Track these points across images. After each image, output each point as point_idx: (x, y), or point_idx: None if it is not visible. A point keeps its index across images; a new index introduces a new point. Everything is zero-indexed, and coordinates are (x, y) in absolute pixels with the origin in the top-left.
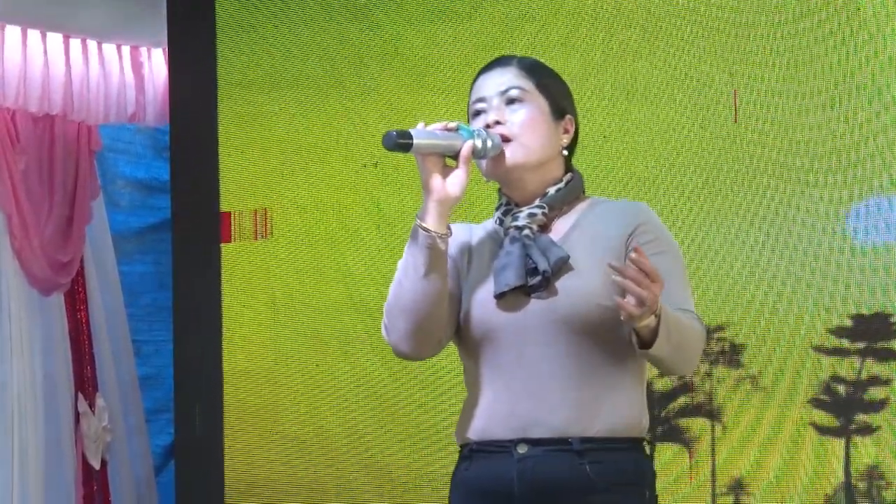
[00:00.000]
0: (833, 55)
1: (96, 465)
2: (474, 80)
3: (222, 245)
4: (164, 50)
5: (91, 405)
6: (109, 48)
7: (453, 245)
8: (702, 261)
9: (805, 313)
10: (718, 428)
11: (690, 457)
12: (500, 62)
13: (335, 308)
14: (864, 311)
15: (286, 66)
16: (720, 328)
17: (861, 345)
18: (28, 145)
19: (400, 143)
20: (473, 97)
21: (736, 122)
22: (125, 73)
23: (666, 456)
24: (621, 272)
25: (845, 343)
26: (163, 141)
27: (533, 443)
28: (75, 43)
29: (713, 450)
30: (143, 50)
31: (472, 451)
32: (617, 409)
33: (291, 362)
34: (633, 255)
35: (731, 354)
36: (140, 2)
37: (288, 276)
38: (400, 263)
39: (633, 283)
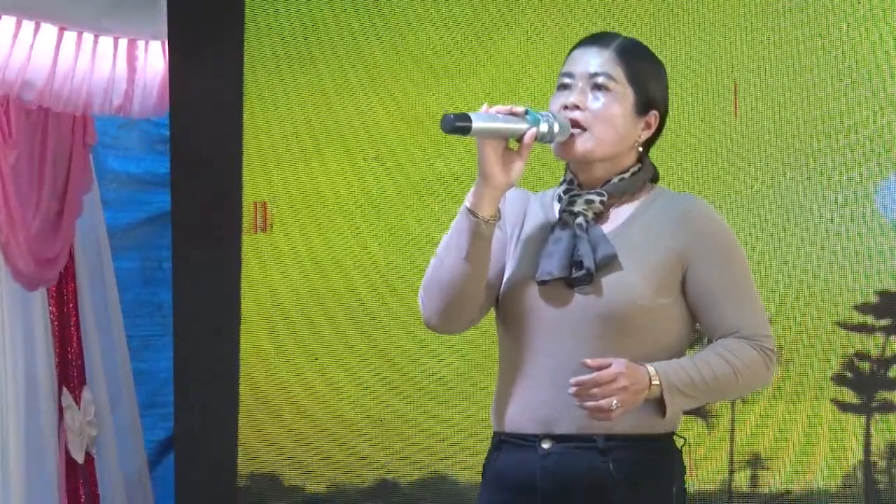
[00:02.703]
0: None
1: (79, 459)
2: (572, 49)
3: (224, 237)
4: (162, 43)
5: (77, 399)
6: (106, 41)
7: (507, 214)
8: None
9: (830, 289)
10: (738, 402)
11: (710, 431)
12: (600, 40)
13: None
14: (891, 288)
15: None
16: None
17: (886, 321)
18: (20, 138)
19: (458, 126)
20: (564, 69)
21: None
22: (117, 65)
23: (686, 429)
24: (578, 394)
25: (870, 319)
26: (155, 135)
27: (557, 439)
28: (70, 35)
29: (732, 424)
30: (141, 43)
31: (501, 442)
32: (645, 407)
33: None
34: (587, 362)
35: None
36: None
37: (288, 267)
38: (444, 239)
39: (591, 400)
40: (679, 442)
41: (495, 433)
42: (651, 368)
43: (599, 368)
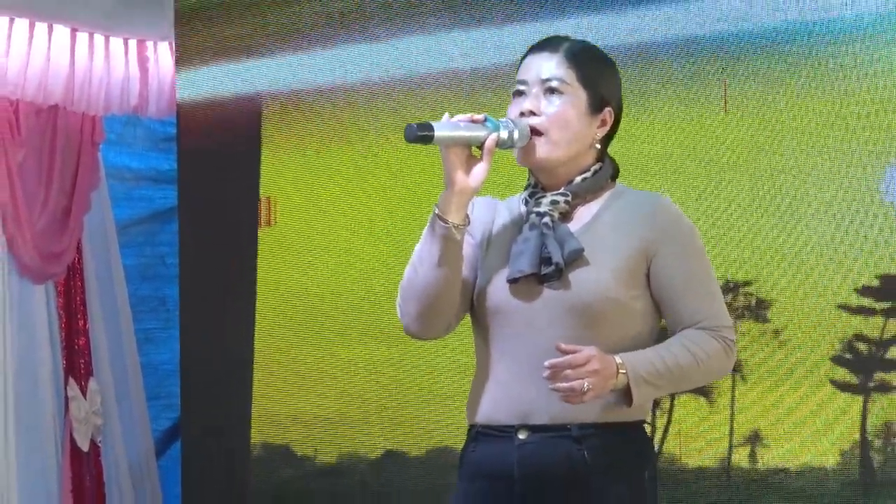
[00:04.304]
0: None
1: (84, 448)
2: (523, 57)
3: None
4: (169, 44)
5: (83, 390)
6: (116, 42)
7: (476, 221)
8: (730, 216)
9: (832, 272)
10: (739, 380)
11: (711, 409)
12: (549, 45)
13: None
14: (891, 272)
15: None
16: (747, 283)
17: (885, 305)
18: (29, 136)
19: (420, 135)
20: (518, 76)
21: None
22: (130, 66)
23: (687, 406)
24: (552, 376)
25: (870, 303)
26: (160, 132)
27: (533, 429)
28: (82, 36)
29: (733, 401)
30: (150, 44)
31: (477, 434)
32: (614, 397)
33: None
34: (562, 345)
35: (757, 309)
36: None
37: (291, 260)
38: (416, 248)
39: (564, 382)
40: (648, 429)
41: (471, 426)
42: (618, 358)
43: (573, 353)
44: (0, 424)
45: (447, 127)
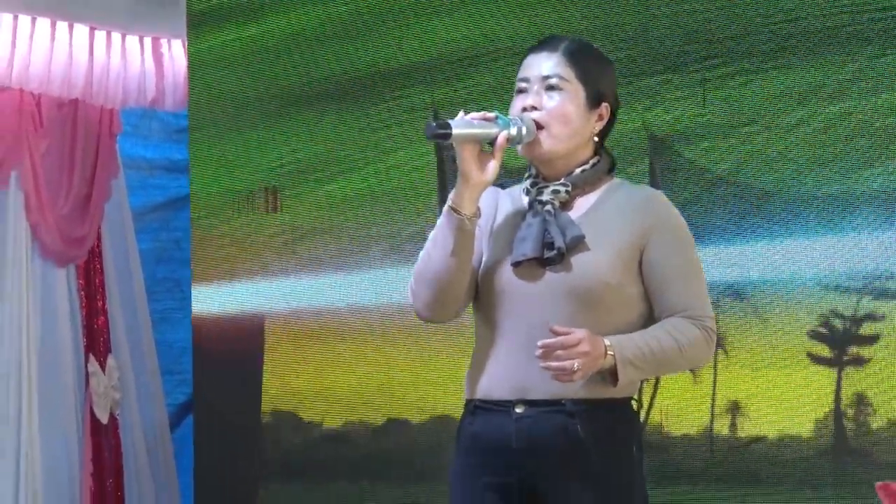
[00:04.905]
0: None
1: (103, 420)
2: (524, 56)
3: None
4: (182, 42)
5: (102, 366)
6: (132, 39)
7: (481, 209)
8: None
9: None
10: (721, 354)
11: (695, 381)
12: (549, 45)
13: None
14: (864, 256)
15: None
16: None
17: (859, 283)
18: (51, 129)
19: (439, 133)
20: (520, 74)
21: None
22: (146, 62)
23: (672, 380)
24: (544, 355)
25: (845, 281)
26: (173, 124)
27: (530, 403)
28: (100, 34)
29: (715, 374)
30: (164, 41)
31: (476, 408)
32: (603, 376)
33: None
34: (554, 327)
35: (737, 288)
36: None
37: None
38: (430, 236)
39: (555, 361)
40: (636, 406)
41: (469, 401)
42: (607, 340)
43: (565, 335)
44: (24, 399)
45: (463, 124)
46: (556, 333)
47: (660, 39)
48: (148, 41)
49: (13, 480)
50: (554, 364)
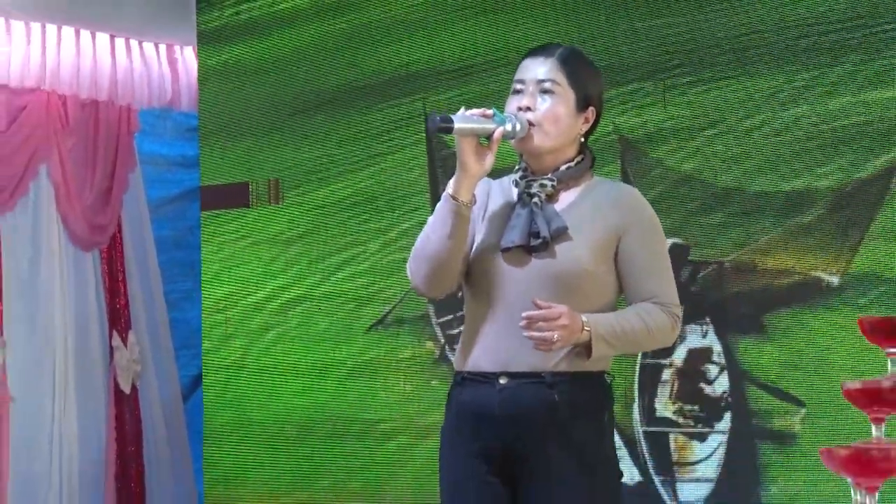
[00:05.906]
0: None
1: (126, 390)
2: (522, 59)
3: (241, 210)
4: (193, 48)
5: (124, 341)
6: (149, 46)
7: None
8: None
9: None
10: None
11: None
12: (545, 50)
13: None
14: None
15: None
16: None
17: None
18: (76, 127)
19: (442, 126)
20: (517, 75)
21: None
22: (162, 66)
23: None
24: (528, 325)
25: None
26: (186, 124)
27: (512, 375)
28: (119, 41)
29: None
30: (177, 48)
31: (463, 379)
32: (578, 351)
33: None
34: (538, 301)
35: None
36: (172, 7)
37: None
38: (430, 219)
39: (537, 332)
40: (609, 379)
41: (458, 372)
42: (584, 317)
43: (547, 308)
44: (60, 372)
45: (463, 119)
46: (539, 307)
47: (630, 51)
48: (163, 47)
49: (49, 446)
50: (536, 334)
